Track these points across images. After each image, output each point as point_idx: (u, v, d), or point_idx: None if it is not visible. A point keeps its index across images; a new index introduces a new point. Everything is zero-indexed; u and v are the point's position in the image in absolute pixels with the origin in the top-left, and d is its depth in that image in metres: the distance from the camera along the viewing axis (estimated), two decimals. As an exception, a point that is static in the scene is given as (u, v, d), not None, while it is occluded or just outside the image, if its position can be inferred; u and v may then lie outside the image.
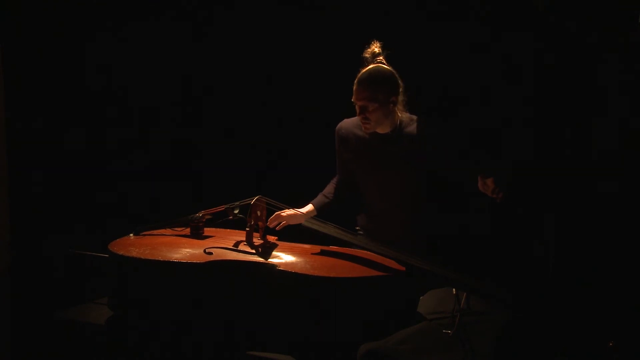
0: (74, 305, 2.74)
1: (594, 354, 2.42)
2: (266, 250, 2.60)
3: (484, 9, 3.23)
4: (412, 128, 2.85)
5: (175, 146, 3.87)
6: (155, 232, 2.83)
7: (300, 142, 3.59)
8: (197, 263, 2.42)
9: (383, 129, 2.84)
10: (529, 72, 3.18)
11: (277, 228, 2.81)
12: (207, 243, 2.67)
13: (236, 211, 2.78)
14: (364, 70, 2.78)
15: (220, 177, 3.79)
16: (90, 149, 3.68)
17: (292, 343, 2.33)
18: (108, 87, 3.73)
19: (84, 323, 2.58)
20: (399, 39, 3.35)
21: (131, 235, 2.78)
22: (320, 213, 2.89)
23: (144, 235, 2.79)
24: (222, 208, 2.81)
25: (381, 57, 2.82)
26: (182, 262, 2.43)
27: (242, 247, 2.64)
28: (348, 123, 2.96)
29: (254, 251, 2.59)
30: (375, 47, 2.83)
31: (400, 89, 2.81)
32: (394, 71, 2.80)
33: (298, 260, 2.50)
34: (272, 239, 2.78)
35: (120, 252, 2.51)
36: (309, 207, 2.91)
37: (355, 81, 2.77)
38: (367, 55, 2.83)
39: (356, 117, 2.83)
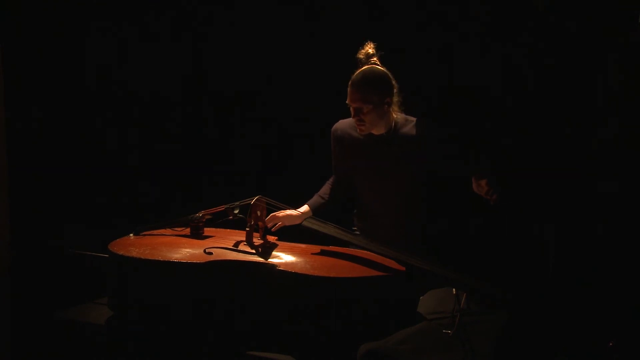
0: (74, 305, 2.74)
1: (594, 354, 2.42)
2: (266, 250, 2.60)
3: (483, 9, 3.23)
4: (408, 129, 2.85)
5: (176, 146, 3.87)
6: (155, 232, 2.83)
7: (301, 142, 3.59)
8: (197, 263, 2.42)
9: (378, 130, 2.83)
10: (528, 73, 3.18)
11: (272, 229, 2.81)
12: (207, 243, 2.67)
13: (236, 211, 2.78)
14: (358, 71, 2.77)
15: (220, 177, 3.79)
16: (90, 148, 3.68)
17: (292, 343, 2.33)
18: (108, 86, 3.73)
19: (84, 323, 2.58)
20: (398, 39, 3.36)
21: (131, 235, 2.78)
22: (315, 214, 2.89)
23: (144, 235, 2.79)
24: (222, 208, 2.81)
25: (375, 58, 2.81)
26: (182, 262, 2.43)
27: (242, 247, 2.63)
28: (344, 124, 2.96)
29: (254, 251, 2.59)
30: (369, 48, 2.82)
31: (395, 90, 2.80)
32: (387, 72, 2.79)
33: (298, 260, 2.50)
34: (272, 239, 2.78)
35: (120, 252, 2.51)
36: (305, 207, 2.90)
37: (349, 83, 2.76)
38: (360, 56, 2.82)
39: (352, 118, 2.82)
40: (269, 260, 2.48)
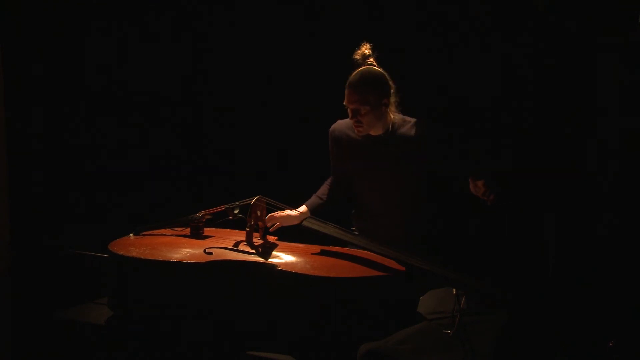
0: (74, 305, 2.74)
1: (594, 354, 2.42)
2: (266, 250, 2.60)
3: (483, 9, 3.23)
4: (406, 129, 2.84)
5: (176, 146, 3.87)
6: (155, 232, 2.83)
7: (301, 142, 3.59)
8: (197, 263, 2.42)
9: (376, 131, 2.83)
10: (528, 73, 3.18)
11: (270, 230, 2.81)
12: (207, 243, 2.67)
13: (236, 211, 2.78)
14: (355, 72, 2.77)
15: (220, 177, 3.79)
16: (90, 148, 3.68)
17: (292, 343, 2.33)
18: (108, 86, 3.73)
19: (84, 323, 2.58)
20: (398, 39, 3.36)
21: (131, 235, 2.78)
22: (314, 214, 2.88)
23: (144, 235, 2.79)
24: (222, 208, 2.81)
25: (371, 59, 2.81)
26: (182, 262, 2.43)
27: (242, 247, 2.63)
28: (341, 124, 2.96)
29: (254, 251, 2.59)
30: (365, 49, 2.81)
31: (392, 91, 2.80)
32: (384, 73, 2.79)
33: (298, 260, 2.50)
34: (272, 239, 2.78)
35: (120, 252, 2.51)
36: (303, 208, 2.90)
37: (346, 84, 2.76)
38: (357, 57, 2.82)
39: (349, 119, 2.82)
40: (269, 260, 2.48)
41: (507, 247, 3.22)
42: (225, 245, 2.63)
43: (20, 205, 3.32)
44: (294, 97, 3.62)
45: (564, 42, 3.07)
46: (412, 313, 2.43)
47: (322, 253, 2.63)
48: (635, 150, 2.96)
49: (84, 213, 3.61)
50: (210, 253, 2.51)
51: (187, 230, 2.82)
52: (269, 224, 2.80)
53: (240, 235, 2.73)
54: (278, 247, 2.67)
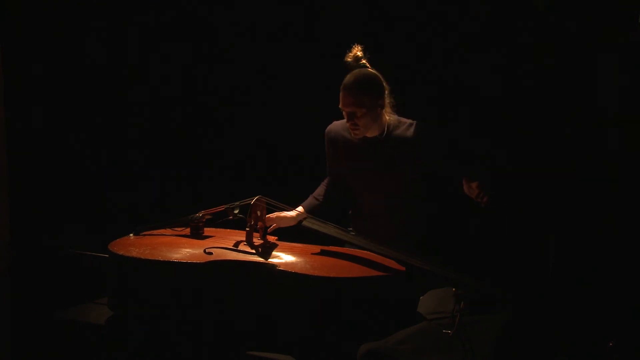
0: (74, 305, 2.74)
1: (594, 354, 2.42)
2: (266, 250, 2.60)
3: (483, 9, 3.23)
4: (401, 130, 2.84)
5: (176, 146, 3.87)
6: (155, 232, 2.83)
7: (301, 142, 3.59)
8: (197, 263, 2.42)
9: (371, 133, 2.83)
10: (528, 73, 3.18)
11: (267, 230, 2.81)
12: (207, 243, 2.67)
13: (236, 211, 2.78)
14: (348, 75, 2.76)
15: (220, 177, 3.79)
16: (90, 148, 3.68)
17: (292, 343, 2.33)
18: (108, 86, 3.73)
19: (84, 323, 2.58)
20: (397, 39, 3.36)
21: (131, 235, 2.78)
22: (310, 215, 2.88)
23: (144, 235, 2.79)
24: (222, 208, 2.80)
25: (364, 61, 2.80)
26: (182, 262, 2.43)
27: (242, 247, 2.63)
28: (337, 125, 2.96)
29: (254, 251, 2.59)
30: (357, 51, 2.81)
31: (386, 92, 2.80)
32: (378, 74, 2.78)
33: (298, 260, 2.50)
34: (272, 239, 2.77)
35: (120, 252, 2.51)
36: (299, 209, 2.90)
37: (341, 87, 2.75)
38: (349, 59, 2.81)
39: (346, 122, 2.82)
40: (269, 260, 2.48)
41: (507, 247, 3.22)
42: (225, 245, 2.63)
43: (20, 205, 3.32)
44: (294, 97, 3.62)
45: (564, 42, 3.07)
46: (412, 313, 2.43)
47: (322, 253, 2.63)
48: (635, 150, 2.96)
49: (83, 213, 3.61)
50: (210, 253, 2.51)
51: (187, 230, 2.82)
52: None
53: (240, 235, 2.73)
54: (278, 247, 2.67)
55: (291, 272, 2.36)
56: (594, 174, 3.05)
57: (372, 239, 2.73)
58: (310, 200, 2.98)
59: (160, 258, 2.46)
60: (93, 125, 3.69)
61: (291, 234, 2.80)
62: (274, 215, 2.80)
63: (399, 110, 2.88)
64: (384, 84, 2.79)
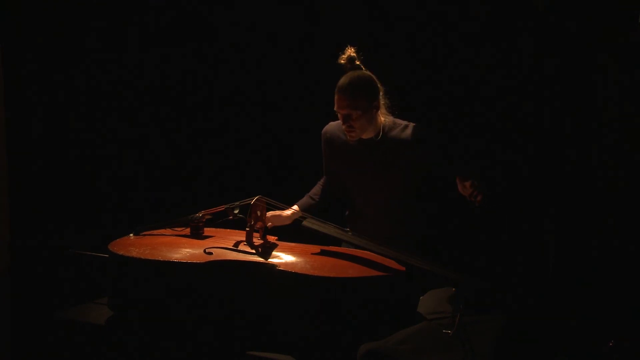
0: (74, 305, 2.74)
1: (594, 354, 2.42)
2: (266, 250, 2.60)
3: (483, 9, 3.23)
4: (396, 132, 2.84)
5: (176, 146, 3.88)
6: (155, 232, 2.83)
7: (301, 142, 3.59)
8: (197, 263, 2.42)
9: (367, 134, 2.83)
10: (528, 73, 3.18)
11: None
12: (207, 243, 2.67)
13: (236, 211, 2.78)
14: (343, 77, 2.76)
15: (220, 177, 3.79)
16: (90, 148, 3.68)
17: (292, 343, 2.33)
18: (108, 86, 3.73)
19: (84, 323, 2.57)
20: (397, 39, 3.36)
21: (131, 235, 2.78)
22: (305, 214, 2.88)
23: (144, 235, 2.79)
24: (222, 208, 2.80)
25: (358, 62, 2.80)
26: (182, 262, 2.43)
27: (242, 247, 2.63)
28: (333, 126, 2.96)
29: (254, 251, 2.59)
30: (351, 52, 2.80)
31: (381, 93, 2.80)
32: (372, 75, 2.78)
33: (298, 260, 2.50)
34: (272, 239, 2.77)
35: (120, 252, 2.51)
36: (294, 208, 2.90)
37: (336, 90, 2.75)
38: (342, 61, 2.81)
39: (341, 125, 2.81)
40: (269, 260, 2.48)
41: (507, 247, 3.22)
42: (225, 245, 2.63)
43: (20, 205, 3.33)
44: (295, 96, 3.62)
45: (564, 42, 3.07)
46: (412, 313, 2.43)
47: (322, 253, 2.63)
48: (635, 150, 2.96)
49: (84, 213, 3.61)
50: (210, 253, 2.51)
51: (187, 230, 2.82)
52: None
53: (240, 235, 2.73)
54: (278, 247, 2.67)
55: (291, 272, 2.36)
56: (594, 174, 3.05)
57: (372, 238, 2.73)
58: (305, 199, 2.98)
59: (160, 258, 2.46)
60: (93, 125, 3.69)
61: (291, 234, 2.80)
62: (269, 214, 2.80)
63: (393, 111, 2.87)
64: (379, 85, 2.79)
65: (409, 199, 2.89)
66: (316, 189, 3.02)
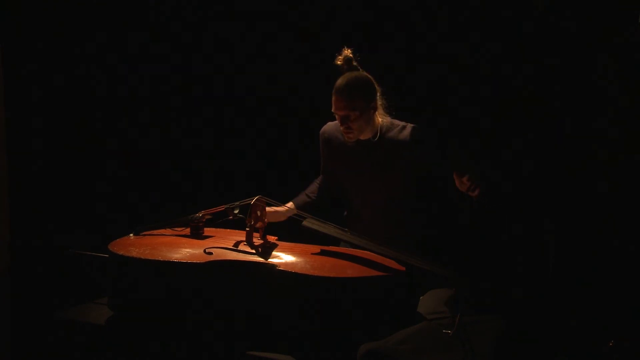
0: (74, 305, 2.74)
1: (594, 354, 2.42)
2: (266, 250, 2.60)
3: (483, 9, 3.23)
4: (394, 133, 2.84)
5: (175, 146, 3.87)
6: (155, 232, 2.83)
7: (301, 142, 3.59)
8: (197, 263, 2.42)
9: (365, 135, 2.83)
10: (528, 73, 3.18)
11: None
12: (207, 243, 2.67)
13: (236, 211, 2.78)
14: (340, 79, 2.76)
15: (221, 177, 3.79)
16: (90, 148, 3.68)
17: (292, 343, 2.33)
18: (108, 86, 3.73)
19: (84, 323, 2.57)
20: (397, 39, 3.36)
21: (131, 235, 2.78)
22: (301, 212, 2.88)
23: (144, 235, 2.79)
24: (222, 208, 2.80)
25: (355, 63, 2.80)
26: (182, 262, 2.43)
27: (242, 247, 2.63)
28: (331, 126, 2.96)
29: (254, 251, 2.58)
30: (347, 53, 2.80)
31: (378, 93, 2.80)
32: (369, 76, 2.78)
33: (298, 260, 2.50)
34: (272, 239, 2.77)
35: (120, 252, 2.51)
36: (289, 205, 2.90)
37: (333, 91, 2.75)
38: (339, 62, 2.81)
39: (340, 126, 2.81)
40: (269, 260, 2.48)
41: (507, 247, 3.22)
42: (225, 245, 2.63)
43: (20, 205, 3.33)
44: (294, 96, 3.62)
45: (564, 42, 3.07)
46: (412, 313, 2.43)
47: (322, 253, 2.63)
48: (635, 150, 2.96)
49: (84, 213, 3.61)
50: (210, 253, 2.51)
51: (187, 230, 2.82)
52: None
53: (240, 235, 2.73)
54: (278, 247, 2.67)
55: (291, 272, 2.36)
56: (594, 173, 3.05)
57: (372, 238, 2.73)
58: (302, 197, 2.99)
59: (160, 258, 2.46)
60: (93, 125, 3.69)
61: (291, 234, 2.80)
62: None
63: (391, 112, 2.87)
64: (376, 85, 2.79)
65: (407, 199, 2.89)
66: (313, 187, 3.03)
